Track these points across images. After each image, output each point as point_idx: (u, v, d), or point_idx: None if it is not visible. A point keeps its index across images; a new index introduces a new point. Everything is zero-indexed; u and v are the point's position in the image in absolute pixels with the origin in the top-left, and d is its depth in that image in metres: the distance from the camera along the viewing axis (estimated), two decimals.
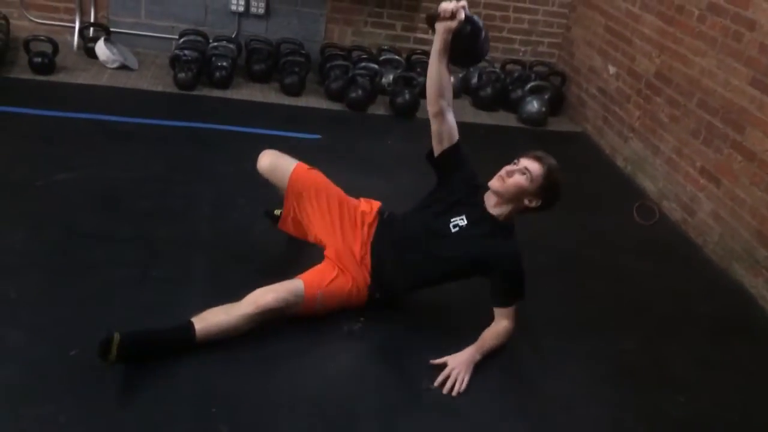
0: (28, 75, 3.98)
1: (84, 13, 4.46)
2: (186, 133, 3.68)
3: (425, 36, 4.88)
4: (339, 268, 2.39)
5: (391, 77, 4.56)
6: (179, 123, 3.75)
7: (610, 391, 2.35)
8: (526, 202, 2.29)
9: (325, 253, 2.47)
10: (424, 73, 4.37)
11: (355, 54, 4.75)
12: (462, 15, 2.17)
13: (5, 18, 4.27)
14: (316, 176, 2.56)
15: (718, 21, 3.47)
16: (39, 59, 3.98)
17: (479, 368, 2.28)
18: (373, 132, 4.18)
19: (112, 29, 4.43)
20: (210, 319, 2.15)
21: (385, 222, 2.50)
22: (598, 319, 2.74)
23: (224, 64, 4.25)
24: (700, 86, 3.58)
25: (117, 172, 3.14)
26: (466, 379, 2.21)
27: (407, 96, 4.36)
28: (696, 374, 2.53)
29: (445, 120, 2.33)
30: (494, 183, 2.30)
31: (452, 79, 2.40)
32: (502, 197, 2.30)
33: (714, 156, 3.44)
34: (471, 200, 2.38)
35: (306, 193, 2.51)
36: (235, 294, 2.22)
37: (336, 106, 4.38)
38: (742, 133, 3.25)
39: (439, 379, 2.20)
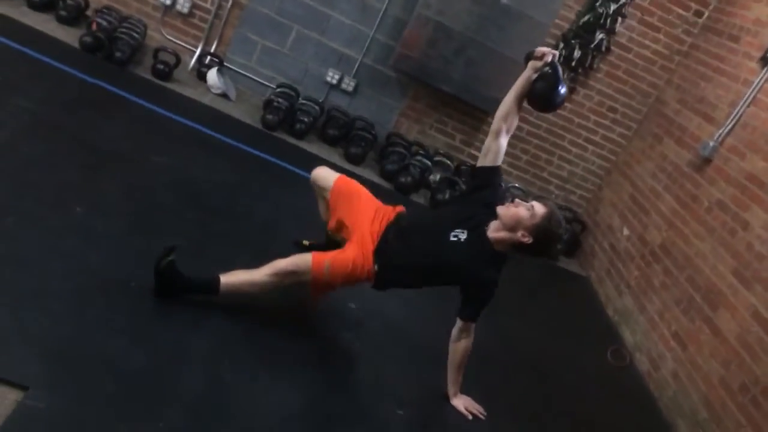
0: (148, 76, 4.71)
1: (207, 44, 5.26)
2: (261, 161, 4.33)
3: (475, 153, 5.54)
4: (353, 242, 2.73)
5: (438, 176, 5.20)
6: (257, 152, 4.40)
7: None
8: (520, 235, 2.57)
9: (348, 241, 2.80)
10: (467, 183, 5.07)
11: (413, 148, 5.42)
12: (549, 58, 2.64)
13: (144, 26, 5.07)
14: (356, 183, 3.05)
15: (721, 215, 4.07)
16: (162, 66, 4.72)
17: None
18: None
19: (225, 63, 5.19)
20: (234, 275, 2.67)
21: (400, 215, 2.86)
22: (552, 416, 3.22)
23: (306, 119, 4.95)
24: (693, 264, 4.13)
25: (198, 170, 3.76)
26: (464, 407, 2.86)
27: (447, 196, 4.97)
28: None
29: (497, 139, 2.72)
30: (500, 207, 2.62)
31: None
32: (501, 222, 2.61)
33: (687, 324, 3.93)
34: (479, 220, 2.67)
35: (347, 193, 2.98)
36: None
37: (385, 185, 5.01)
38: (715, 312, 3.75)
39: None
